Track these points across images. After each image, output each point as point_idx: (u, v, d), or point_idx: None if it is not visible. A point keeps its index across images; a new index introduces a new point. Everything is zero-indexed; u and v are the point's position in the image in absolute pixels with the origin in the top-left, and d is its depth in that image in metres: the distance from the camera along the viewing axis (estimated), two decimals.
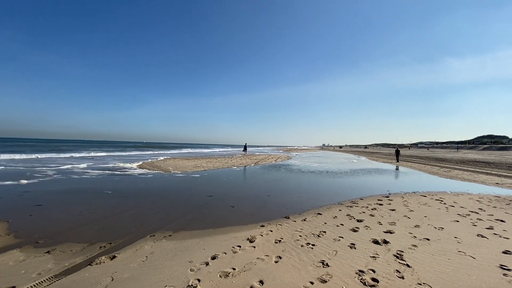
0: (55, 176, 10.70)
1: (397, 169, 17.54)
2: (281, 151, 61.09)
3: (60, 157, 22.18)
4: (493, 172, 15.04)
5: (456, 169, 17.24)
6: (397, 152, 26.03)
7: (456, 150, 76.85)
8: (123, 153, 32.04)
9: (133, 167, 14.52)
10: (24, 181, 9.15)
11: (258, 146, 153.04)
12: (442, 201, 7.23)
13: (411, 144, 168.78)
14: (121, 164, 16.76)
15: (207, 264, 3.26)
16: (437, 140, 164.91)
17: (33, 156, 22.15)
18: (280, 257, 3.46)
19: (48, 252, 3.60)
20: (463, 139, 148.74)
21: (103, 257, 3.38)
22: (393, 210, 6.17)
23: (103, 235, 4.32)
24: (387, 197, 7.69)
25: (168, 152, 41.17)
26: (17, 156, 20.83)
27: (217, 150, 60.33)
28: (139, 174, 11.75)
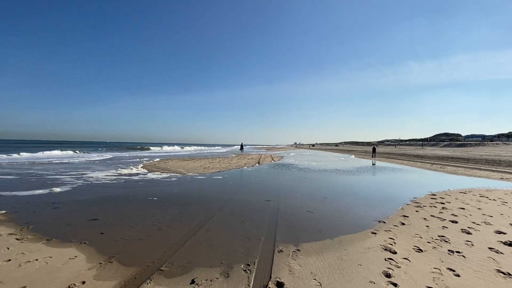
0: (76, 182, 9.33)
1: (373, 166, 18.15)
2: (263, 150, 60.99)
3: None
4: (484, 168, 16.18)
5: (446, 165, 18.34)
6: (374, 150, 30.29)
7: (421, 147, 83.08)
8: (104, 156, 29.51)
9: (143, 171, 13.25)
10: (57, 189, 8.01)
11: (233, 145, 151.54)
12: (488, 197, 7.47)
13: (378, 142, 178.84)
14: (124, 167, 15.28)
15: (390, 283, 2.84)
16: (400, 138, 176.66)
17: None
18: (453, 270, 3.15)
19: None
20: (422, 137, 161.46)
21: (271, 284, 2.81)
22: (462, 208, 6.16)
23: (225, 252, 3.70)
24: (434, 196, 7.74)
25: (152, 152, 38.93)
26: None
27: (190, 148, 58.45)
28: (162, 178, 10.79)
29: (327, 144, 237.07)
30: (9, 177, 10.42)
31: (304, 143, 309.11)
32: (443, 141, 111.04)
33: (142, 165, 16.73)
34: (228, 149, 67.71)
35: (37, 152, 28.68)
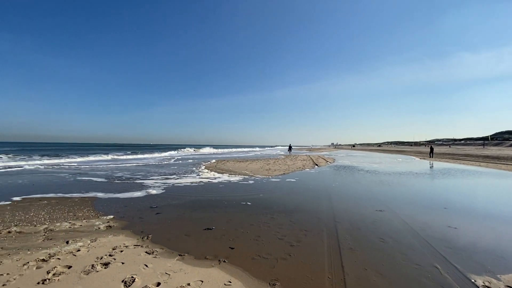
0: (159, 185, 9.27)
1: (458, 170, 15.67)
2: (304, 151, 59.27)
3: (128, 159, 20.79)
4: None
5: None
6: (431, 150, 30.02)
7: (482, 147, 74.05)
8: (162, 156, 30.67)
9: (215, 174, 12.93)
10: (153, 191, 7.89)
11: (272, 146, 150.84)
12: None
13: (427, 141, 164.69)
14: (190, 168, 15.26)
15: None
16: (454, 137, 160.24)
17: (90, 158, 20.81)
18: None
19: None
20: (480, 135, 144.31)
21: None
22: None
23: (407, 285, 2.70)
24: None
25: (199, 154, 39.74)
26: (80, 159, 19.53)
27: (231, 150, 58.73)
28: (238, 181, 10.33)
29: (368, 145, 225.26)
30: (97, 179, 10.66)
31: (342, 144, 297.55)
32: (508, 139, 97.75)
33: (204, 166, 16.59)
34: (265, 150, 67.00)
35: (107, 154, 30.77)
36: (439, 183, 10.16)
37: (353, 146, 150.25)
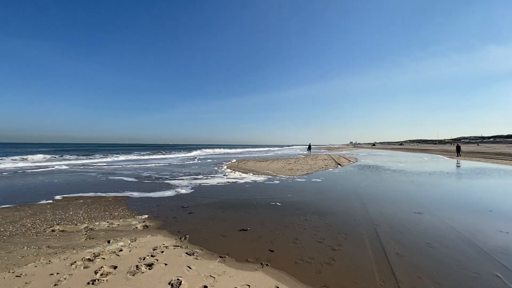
0: (186, 184, 9.40)
1: (495, 169, 14.57)
2: (323, 150, 58.25)
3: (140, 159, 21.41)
4: None
5: None
6: (458, 148, 28.51)
7: None
8: (185, 155, 31.25)
9: (239, 174, 12.94)
10: (182, 191, 8.01)
11: (289, 146, 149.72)
12: None
13: (452, 139, 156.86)
14: (212, 167, 15.36)
15: None
16: (482, 135, 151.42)
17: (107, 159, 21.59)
18: None
19: None
20: (509, 133, 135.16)
21: None
22: None
23: None
24: None
25: (218, 154, 40.12)
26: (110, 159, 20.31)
27: (249, 150, 58.67)
28: (263, 181, 10.27)
29: (389, 143, 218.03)
30: (127, 179, 10.96)
31: (361, 143, 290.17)
32: None
33: (225, 166, 16.66)
34: (283, 149, 66.52)
35: (131, 154, 31.83)
36: (476, 183, 9.55)
37: (373, 144, 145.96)
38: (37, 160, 21.19)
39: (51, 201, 6.48)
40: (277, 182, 9.79)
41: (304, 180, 10.33)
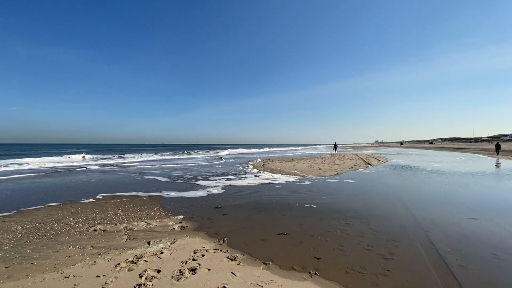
0: (217, 184, 9.41)
1: None
2: (348, 149, 56.46)
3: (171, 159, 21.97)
4: None
5: None
6: (498, 147, 27.38)
7: None
8: (212, 155, 31.71)
9: (271, 175, 12.76)
10: (213, 191, 8.04)
11: (311, 145, 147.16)
12: None
13: (490, 137, 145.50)
14: (238, 167, 15.32)
15: None
16: None
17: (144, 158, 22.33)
18: None
19: None
20: None
21: None
22: None
23: None
24: None
25: (241, 154, 40.28)
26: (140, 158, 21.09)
27: (271, 149, 58.19)
28: (295, 182, 10.06)
29: (418, 142, 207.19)
30: (158, 178, 11.18)
31: (387, 141, 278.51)
32: None
33: (251, 165, 16.55)
34: (307, 149, 65.39)
35: (158, 154, 32.91)
36: None
37: (401, 143, 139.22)
38: (75, 159, 22.47)
39: (91, 200, 6.70)
40: (308, 182, 9.48)
41: (336, 181, 9.92)
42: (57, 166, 16.77)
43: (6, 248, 3.69)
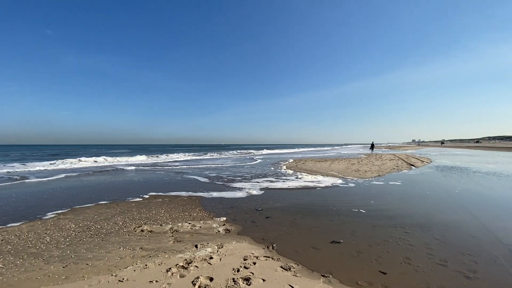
0: (252, 186, 9.28)
1: None
2: (383, 149, 53.55)
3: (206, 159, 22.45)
4: None
5: None
6: None
7: None
8: (247, 156, 31.93)
9: (303, 174, 12.35)
10: (252, 192, 7.94)
11: (341, 145, 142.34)
12: None
13: None
14: (270, 167, 15.08)
15: None
16: None
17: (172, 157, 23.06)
18: None
19: None
20: None
21: None
22: None
23: None
24: None
25: (270, 154, 40.02)
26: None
27: (297, 150, 56.87)
28: (341, 184, 9.54)
29: (461, 141, 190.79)
30: (194, 177, 11.31)
31: (425, 140, 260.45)
32: None
33: (284, 166, 16.21)
34: (334, 149, 63.15)
35: (188, 154, 33.92)
36: None
37: (442, 143, 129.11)
38: (118, 159, 23.81)
39: (135, 200, 6.84)
40: (351, 185, 8.92)
41: (380, 183, 9.23)
42: (99, 166, 17.81)
43: (62, 246, 3.77)
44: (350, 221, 4.96)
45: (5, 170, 14.52)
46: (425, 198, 6.82)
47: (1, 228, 4.59)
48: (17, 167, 16.01)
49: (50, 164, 18.44)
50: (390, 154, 30.28)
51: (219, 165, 17.91)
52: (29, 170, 14.79)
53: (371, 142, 36.81)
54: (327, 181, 9.67)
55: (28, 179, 11.04)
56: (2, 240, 4.01)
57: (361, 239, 4.03)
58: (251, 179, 10.46)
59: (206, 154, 36.62)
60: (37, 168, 15.59)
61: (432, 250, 3.60)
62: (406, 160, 20.11)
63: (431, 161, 19.46)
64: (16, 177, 11.73)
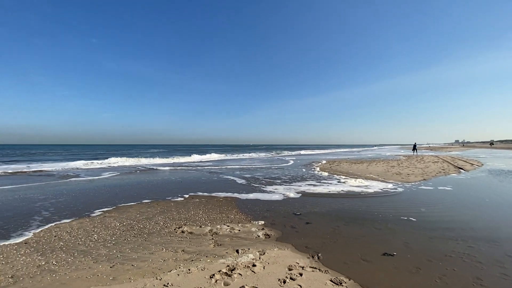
0: (290, 186, 9.04)
1: None
2: (423, 150, 49.91)
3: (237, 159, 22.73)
4: None
5: None
6: None
7: None
8: (277, 156, 31.81)
9: (337, 175, 11.85)
10: (289, 195, 7.74)
11: (376, 146, 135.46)
12: None
13: None
14: (304, 169, 14.76)
15: None
16: None
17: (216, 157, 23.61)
18: None
19: None
20: None
21: None
22: None
23: None
24: None
25: (300, 155, 39.28)
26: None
27: (329, 151, 54.87)
28: (391, 189, 9.03)
29: None
30: (228, 177, 11.38)
31: (471, 141, 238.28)
32: None
33: (318, 167, 15.70)
34: (368, 150, 60.09)
35: (222, 153, 34.60)
36: None
37: (491, 144, 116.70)
38: (155, 160, 24.96)
39: (174, 199, 6.97)
40: (400, 189, 8.26)
41: (428, 188, 8.48)
42: (138, 165, 18.74)
43: (109, 245, 3.87)
44: (400, 230, 4.53)
45: (59, 168, 15.91)
46: (484, 207, 6.08)
47: (55, 225, 4.87)
48: (66, 166, 17.46)
49: (97, 163, 19.84)
50: (432, 155, 28.05)
51: (252, 166, 17.91)
52: (77, 168, 16.01)
53: (414, 143, 34.32)
54: (375, 186, 9.03)
55: (79, 177, 11.92)
56: (55, 237, 4.24)
57: (417, 252, 3.62)
58: (286, 182, 10.22)
59: (238, 154, 36.99)
60: (84, 167, 16.83)
61: (506, 270, 3.11)
62: (452, 162, 18.43)
63: (482, 164, 17.61)
64: (70, 173, 12.79)
